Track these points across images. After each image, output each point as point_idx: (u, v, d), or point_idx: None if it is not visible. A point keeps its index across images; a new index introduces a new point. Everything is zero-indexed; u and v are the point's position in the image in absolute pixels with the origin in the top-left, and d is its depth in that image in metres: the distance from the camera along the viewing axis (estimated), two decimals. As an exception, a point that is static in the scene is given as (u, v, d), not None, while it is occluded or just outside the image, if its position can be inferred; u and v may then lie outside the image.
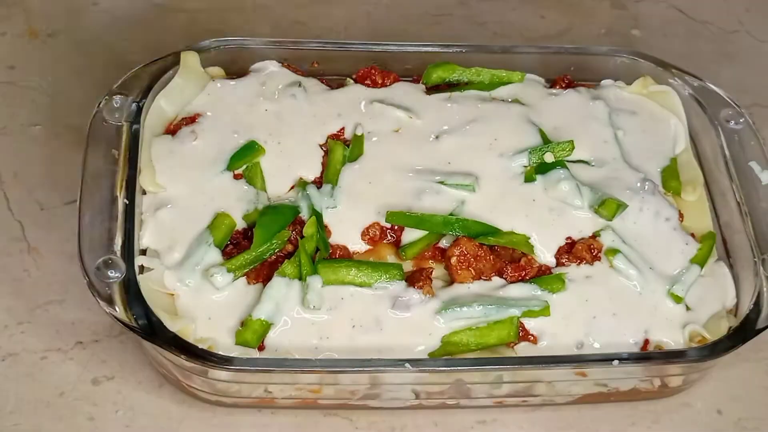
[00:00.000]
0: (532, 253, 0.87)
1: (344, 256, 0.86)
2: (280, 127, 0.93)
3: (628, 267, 0.86)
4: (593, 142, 0.95)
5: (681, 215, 0.91)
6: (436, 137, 0.94)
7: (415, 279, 0.84)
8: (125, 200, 0.86)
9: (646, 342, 0.85)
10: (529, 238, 0.88)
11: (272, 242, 0.85)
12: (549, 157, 0.92)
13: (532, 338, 0.84)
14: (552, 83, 1.01)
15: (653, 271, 0.87)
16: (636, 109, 0.98)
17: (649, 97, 1.00)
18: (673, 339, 0.85)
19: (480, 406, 0.87)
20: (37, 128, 1.04)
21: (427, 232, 0.87)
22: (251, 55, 0.98)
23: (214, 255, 0.85)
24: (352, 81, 0.98)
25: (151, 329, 0.79)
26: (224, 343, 0.81)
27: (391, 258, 0.87)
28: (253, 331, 0.81)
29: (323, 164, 0.91)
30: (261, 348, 0.82)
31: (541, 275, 0.86)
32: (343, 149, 0.92)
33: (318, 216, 0.87)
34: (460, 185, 0.90)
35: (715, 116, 0.97)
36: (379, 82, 0.97)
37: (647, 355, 0.84)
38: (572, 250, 0.87)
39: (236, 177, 0.90)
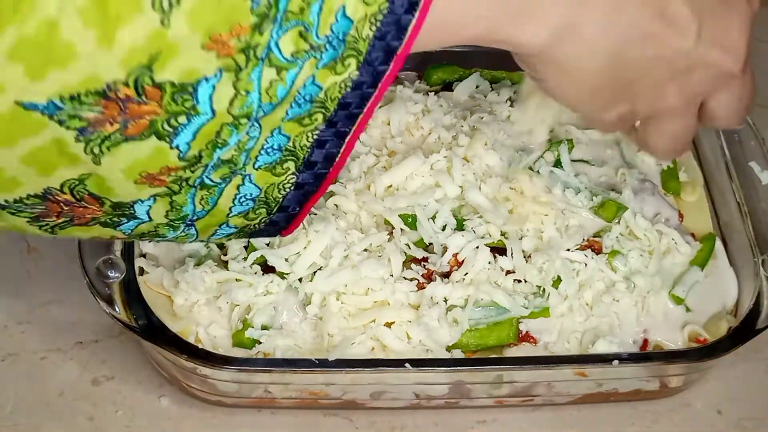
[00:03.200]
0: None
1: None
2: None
3: (627, 267, 0.86)
4: (593, 142, 0.95)
5: (681, 216, 0.91)
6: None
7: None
8: (125, 200, 0.86)
9: (645, 342, 0.85)
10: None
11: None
12: (549, 157, 0.92)
13: (532, 340, 0.84)
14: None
15: (653, 272, 0.87)
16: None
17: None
18: (672, 339, 0.85)
19: (480, 406, 0.87)
20: (37, 128, 1.04)
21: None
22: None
23: (215, 257, 0.85)
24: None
25: (151, 329, 0.79)
26: (225, 345, 0.81)
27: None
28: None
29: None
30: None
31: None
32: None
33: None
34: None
35: (715, 116, 0.97)
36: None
37: (647, 355, 0.84)
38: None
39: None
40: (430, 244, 0.86)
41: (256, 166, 0.63)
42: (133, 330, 0.79)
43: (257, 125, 0.60)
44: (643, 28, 0.65)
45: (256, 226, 0.69)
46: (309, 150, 0.63)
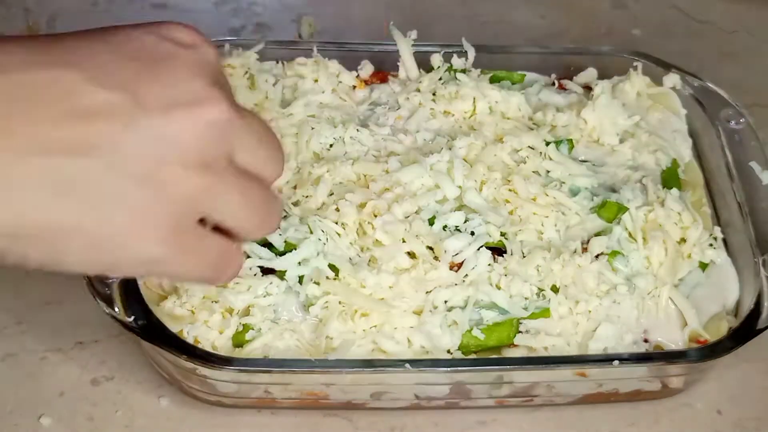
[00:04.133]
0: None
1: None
2: (280, 127, 0.93)
3: (628, 268, 0.86)
4: (593, 142, 0.96)
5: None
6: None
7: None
8: (125, 200, 0.86)
9: (646, 342, 0.85)
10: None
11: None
12: (548, 157, 0.92)
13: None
14: (552, 84, 1.01)
15: (653, 272, 0.87)
16: (636, 110, 0.98)
17: (648, 98, 1.00)
18: (672, 340, 0.85)
19: (480, 406, 0.87)
20: (37, 128, 1.04)
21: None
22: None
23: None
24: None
25: (150, 330, 0.79)
26: (224, 345, 0.81)
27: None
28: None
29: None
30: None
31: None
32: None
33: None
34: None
35: (715, 116, 0.97)
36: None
37: (647, 356, 0.84)
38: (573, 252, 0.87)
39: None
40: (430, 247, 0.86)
41: None
42: (132, 330, 0.78)
43: None
44: (66, 141, 0.52)
45: None
46: None
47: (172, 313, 0.81)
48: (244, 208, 0.59)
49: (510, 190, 0.89)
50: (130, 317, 0.79)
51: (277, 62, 0.98)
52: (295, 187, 0.89)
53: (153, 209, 0.54)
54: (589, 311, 0.84)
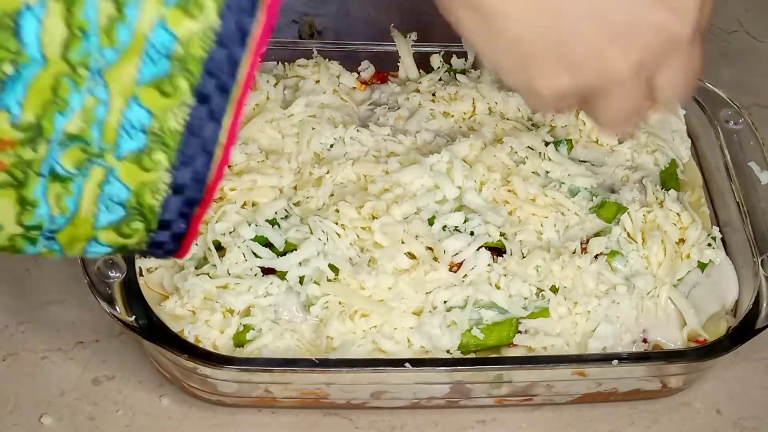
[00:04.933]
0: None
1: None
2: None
3: (627, 268, 0.86)
4: (592, 142, 0.96)
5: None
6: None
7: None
8: (126, 200, 0.86)
9: (645, 342, 0.85)
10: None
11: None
12: (548, 157, 0.92)
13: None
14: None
15: (653, 272, 0.87)
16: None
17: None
18: (671, 339, 0.85)
19: (480, 405, 0.87)
20: (38, 128, 1.04)
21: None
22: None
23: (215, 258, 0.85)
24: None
25: (152, 329, 0.79)
26: (225, 345, 0.82)
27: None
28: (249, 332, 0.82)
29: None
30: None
31: (541, 276, 0.87)
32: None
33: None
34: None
35: (714, 116, 0.97)
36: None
37: (647, 355, 0.84)
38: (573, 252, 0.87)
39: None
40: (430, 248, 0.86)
41: (118, 155, 0.51)
42: (134, 330, 0.79)
43: (101, 80, 0.49)
44: None
45: (137, 246, 0.55)
46: (182, 138, 0.51)
47: (173, 312, 0.81)
48: (682, 79, 0.67)
49: (509, 191, 0.89)
50: (131, 317, 0.79)
51: (278, 63, 0.98)
52: (295, 188, 0.89)
53: (635, 32, 0.61)
54: (588, 311, 0.84)
